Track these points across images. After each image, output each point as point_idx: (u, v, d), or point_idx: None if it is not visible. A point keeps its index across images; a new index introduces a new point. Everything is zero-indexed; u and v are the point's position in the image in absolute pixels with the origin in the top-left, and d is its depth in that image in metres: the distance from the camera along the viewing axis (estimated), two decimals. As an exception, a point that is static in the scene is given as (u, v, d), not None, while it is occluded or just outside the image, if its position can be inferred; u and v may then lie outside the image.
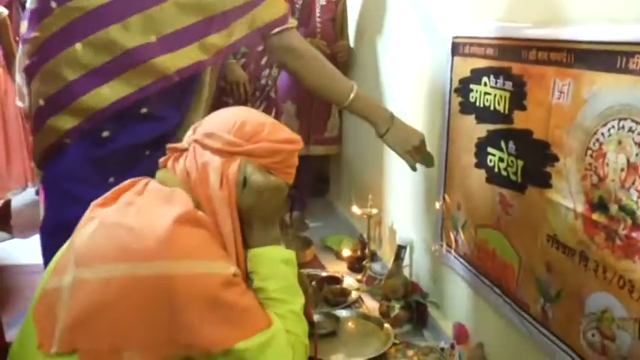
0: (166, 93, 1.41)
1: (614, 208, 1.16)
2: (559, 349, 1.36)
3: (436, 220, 2.04)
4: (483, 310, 1.76)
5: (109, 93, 1.34)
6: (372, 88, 2.69)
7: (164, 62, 1.36)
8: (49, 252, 1.32)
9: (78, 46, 1.32)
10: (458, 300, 1.95)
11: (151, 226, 0.96)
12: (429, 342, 2.02)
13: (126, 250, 0.95)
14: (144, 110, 1.41)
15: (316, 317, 2.00)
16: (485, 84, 1.64)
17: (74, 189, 1.37)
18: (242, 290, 1.02)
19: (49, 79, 1.35)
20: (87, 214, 1.07)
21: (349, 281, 2.47)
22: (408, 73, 2.36)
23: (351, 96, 1.55)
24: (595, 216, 1.22)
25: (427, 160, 1.66)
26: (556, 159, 1.34)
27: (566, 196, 1.31)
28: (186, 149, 1.10)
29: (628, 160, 1.12)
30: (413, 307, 2.11)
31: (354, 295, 2.32)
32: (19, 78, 1.46)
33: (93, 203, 1.08)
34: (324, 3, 3.07)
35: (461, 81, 1.79)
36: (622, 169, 1.13)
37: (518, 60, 1.47)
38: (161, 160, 1.15)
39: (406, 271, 2.27)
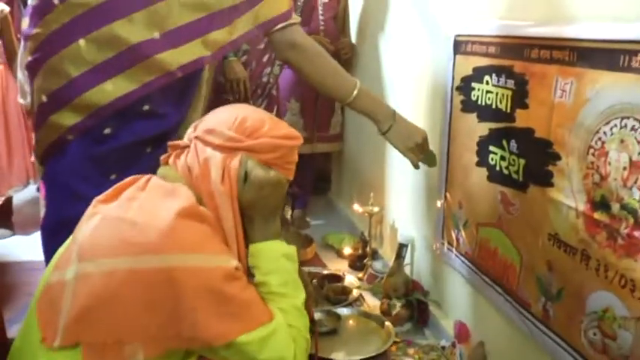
0: (168, 90, 1.42)
1: (615, 207, 1.16)
2: (560, 348, 1.36)
3: (437, 219, 2.03)
4: (484, 309, 1.76)
5: (112, 89, 1.34)
6: (373, 86, 2.68)
7: (167, 58, 1.36)
8: (49, 249, 1.32)
9: (82, 42, 1.32)
10: (459, 298, 1.95)
11: (154, 220, 0.97)
12: (429, 340, 2.02)
13: (128, 244, 0.96)
14: (146, 107, 1.41)
15: (317, 315, 2.01)
16: (487, 82, 1.63)
17: (76, 186, 1.37)
18: (244, 284, 1.03)
19: (52, 75, 1.35)
20: (89, 210, 1.07)
21: (350, 279, 2.47)
22: (410, 71, 2.36)
23: (355, 93, 1.54)
24: (597, 215, 1.22)
25: (429, 160, 1.66)
26: (558, 158, 1.34)
27: (568, 195, 1.31)
28: (187, 146, 1.11)
29: (630, 159, 1.12)
30: (414, 306, 2.11)
31: (355, 293, 2.32)
32: (21, 75, 1.46)
33: (95, 199, 1.09)
34: (327, 0, 3.07)
35: (463, 79, 1.79)
36: (624, 168, 1.13)
37: (521, 58, 1.47)
38: (162, 157, 1.16)
39: (407, 270, 2.27)
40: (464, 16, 1.82)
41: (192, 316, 0.95)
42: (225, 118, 1.10)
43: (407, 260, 2.26)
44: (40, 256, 1.43)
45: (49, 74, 1.36)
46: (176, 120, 1.51)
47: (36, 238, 1.50)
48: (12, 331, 1.61)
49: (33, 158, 1.51)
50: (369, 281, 2.48)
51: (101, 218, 1.02)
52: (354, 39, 3.19)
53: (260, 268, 1.09)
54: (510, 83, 1.52)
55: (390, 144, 1.61)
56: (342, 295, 2.29)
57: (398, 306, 2.11)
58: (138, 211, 1.00)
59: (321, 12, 3.04)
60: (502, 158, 1.57)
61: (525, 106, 1.46)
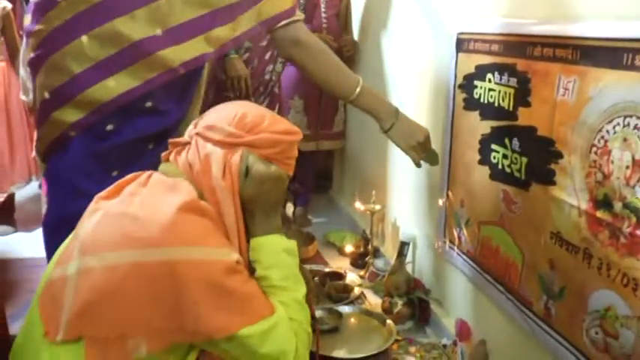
0: (170, 87, 1.42)
1: (618, 206, 1.16)
2: (562, 347, 1.36)
3: (439, 217, 2.03)
4: (486, 307, 1.76)
5: (114, 86, 1.34)
6: (376, 84, 2.68)
7: (169, 55, 1.36)
8: (51, 245, 1.32)
9: (84, 38, 1.32)
10: (460, 297, 1.95)
11: (155, 214, 0.98)
12: (431, 339, 2.03)
13: (130, 238, 0.96)
14: (148, 104, 1.41)
15: (319, 313, 2.00)
16: (490, 80, 1.63)
17: (78, 183, 1.37)
18: (245, 278, 1.03)
19: (55, 71, 1.35)
20: (91, 206, 1.08)
21: (352, 277, 2.47)
22: (413, 69, 2.35)
23: (357, 90, 1.54)
24: (599, 213, 1.21)
25: (432, 158, 1.65)
26: (560, 156, 1.33)
27: (571, 194, 1.30)
28: (187, 143, 1.12)
29: (633, 158, 1.12)
30: (415, 304, 2.12)
31: (356, 291, 2.32)
32: (23, 72, 1.46)
33: (96, 196, 1.09)
34: (329, -2, 3.07)
35: (465, 77, 1.79)
36: (627, 167, 1.13)
37: (523, 56, 1.46)
38: (163, 154, 1.16)
39: (409, 268, 2.27)
40: (466, 14, 1.82)
41: (194, 310, 0.95)
42: (226, 114, 1.11)
43: (408, 258, 2.26)
44: (42, 253, 1.43)
45: (52, 71, 1.36)
46: (177, 117, 1.51)
47: (38, 234, 1.50)
48: (14, 328, 1.61)
49: (34, 154, 1.51)
50: (370, 279, 2.48)
51: (103, 214, 1.02)
52: (356, 37, 3.19)
53: (261, 262, 1.09)
54: (513, 81, 1.52)
55: (392, 142, 1.61)
56: (343, 293, 2.29)
57: (399, 304, 2.11)
58: (139, 206, 1.00)
59: (323, 9, 3.04)
60: (504, 156, 1.57)
61: (528, 105, 1.46)
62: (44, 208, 1.47)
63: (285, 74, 2.91)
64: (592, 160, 1.23)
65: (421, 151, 1.60)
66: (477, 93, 1.71)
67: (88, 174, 1.37)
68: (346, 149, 3.42)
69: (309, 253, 2.76)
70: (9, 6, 3.13)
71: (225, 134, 1.08)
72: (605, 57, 1.18)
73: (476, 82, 1.72)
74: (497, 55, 1.60)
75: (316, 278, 2.38)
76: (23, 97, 1.49)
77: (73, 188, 1.36)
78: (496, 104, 1.60)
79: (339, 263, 2.70)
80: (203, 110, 1.20)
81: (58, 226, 1.32)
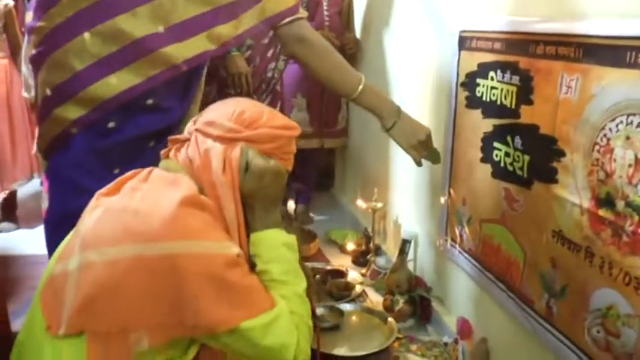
0: (173, 84, 1.42)
1: (620, 205, 1.16)
2: (563, 345, 1.35)
3: (441, 215, 2.03)
4: (487, 306, 1.76)
5: (116, 83, 1.34)
6: (378, 82, 2.68)
7: (172, 52, 1.36)
8: (53, 242, 1.32)
9: (86, 35, 1.32)
10: (462, 295, 1.95)
11: (156, 208, 0.98)
12: (432, 336, 2.03)
13: (131, 232, 0.97)
14: (150, 101, 1.41)
15: (320, 311, 2.01)
16: (492, 78, 1.63)
17: (79, 180, 1.37)
18: (246, 271, 1.04)
19: (57, 68, 1.35)
20: (91, 202, 1.08)
21: (353, 275, 2.47)
22: (415, 67, 2.35)
23: (360, 88, 1.54)
24: (601, 212, 1.21)
25: (433, 157, 1.65)
26: (563, 154, 1.33)
27: (573, 192, 1.30)
28: (187, 139, 1.13)
29: (636, 156, 1.11)
30: (417, 302, 2.12)
31: (358, 289, 2.32)
32: (25, 69, 1.46)
33: (97, 193, 1.10)
34: (331, -4, 3.06)
35: (467, 75, 1.79)
36: (630, 165, 1.13)
37: (526, 54, 1.46)
38: (162, 151, 1.17)
39: (410, 266, 2.27)
40: (469, 12, 1.81)
41: (195, 303, 0.95)
42: (225, 110, 1.12)
43: (410, 256, 2.26)
44: (44, 250, 1.43)
45: (54, 68, 1.36)
46: (179, 114, 1.51)
47: (40, 231, 1.51)
48: (16, 325, 1.62)
49: (34, 150, 1.51)
50: (372, 277, 2.48)
51: (104, 210, 1.03)
52: (358, 34, 3.18)
53: (261, 256, 1.10)
54: (515, 79, 1.51)
55: (393, 141, 1.61)
56: (344, 291, 2.29)
57: (401, 302, 2.11)
58: (140, 201, 1.01)
59: (325, 7, 3.03)
60: (506, 154, 1.57)
61: (530, 103, 1.46)
62: (45, 205, 1.47)
63: (287, 72, 2.91)
64: (594, 159, 1.22)
65: (422, 150, 1.60)
66: (479, 91, 1.71)
67: (89, 171, 1.37)
68: (348, 147, 3.42)
69: (311, 251, 2.77)
70: (11, 3, 3.13)
71: (224, 130, 1.09)
72: (608, 55, 1.17)
73: (478, 80, 1.71)
74: (499, 53, 1.59)
75: (318, 276, 2.38)
76: (25, 94, 1.49)
77: (75, 185, 1.36)
78: (498, 102, 1.60)
79: (340, 261, 2.70)
80: (205, 107, 1.20)
81: (59, 223, 1.32)
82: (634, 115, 1.11)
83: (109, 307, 0.96)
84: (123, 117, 1.38)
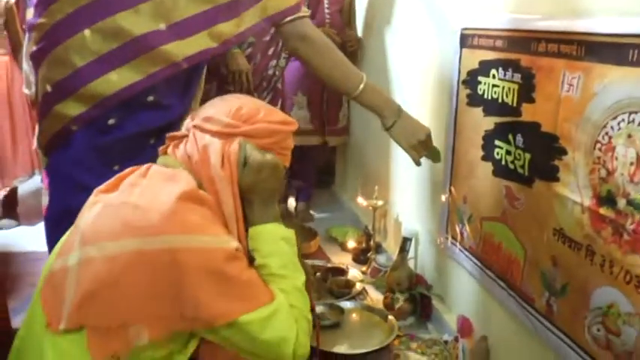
0: (174, 81, 1.42)
1: (622, 203, 1.16)
2: (563, 344, 1.35)
3: (442, 213, 2.03)
4: (488, 304, 1.76)
5: (117, 79, 1.35)
6: (379, 80, 2.67)
7: (173, 49, 1.36)
8: (53, 239, 1.32)
9: (87, 32, 1.32)
10: (462, 293, 1.95)
11: (155, 203, 0.99)
12: (432, 334, 2.02)
13: (130, 227, 0.97)
14: (150, 98, 1.41)
15: (320, 308, 2.01)
16: (494, 76, 1.62)
17: (79, 176, 1.37)
18: (244, 265, 1.04)
19: (57, 65, 1.36)
20: (90, 199, 1.09)
21: (354, 273, 2.47)
22: (416, 65, 2.34)
23: (361, 87, 1.54)
24: (602, 210, 1.21)
25: (434, 155, 1.65)
26: (564, 152, 1.33)
27: (574, 190, 1.30)
28: (185, 136, 1.14)
29: (637, 154, 1.11)
30: (417, 300, 2.11)
31: (358, 286, 2.32)
32: (26, 65, 1.46)
33: (96, 189, 1.10)
34: (333, -6, 3.06)
35: (469, 73, 1.78)
36: (631, 163, 1.13)
37: (528, 52, 1.46)
38: (160, 148, 1.18)
39: (411, 264, 2.27)
40: (470, 9, 1.81)
41: (194, 297, 0.96)
42: (222, 106, 1.13)
43: (411, 254, 2.26)
44: (44, 247, 1.43)
45: (54, 64, 1.36)
46: (179, 112, 1.51)
47: (40, 228, 1.51)
48: (16, 321, 1.62)
49: (34, 146, 1.51)
50: (372, 275, 2.48)
51: (103, 206, 1.04)
52: (360, 32, 3.18)
53: (260, 250, 1.10)
54: (517, 77, 1.51)
55: (393, 140, 1.61)
56: (345, 289, 2.29)
57: (401, 300, 2.11)
58: (139, 196, 1.02)
59: (326, 5, 3.03)
60: (508, 152, 1.57)
61: (532, 101, 1.45)
62: (45, 202, 1.47)
63: (288, 70, 2.90)
64: (596, 157, 1.22)
65: (422, 149, 1.60)
66: (480, 89, 1.71)
67: (89, 168, 1.38)
68: (349, 144, 3.42)
69: (311, 249, 2.77)
70: (12, 0, 3.12)
71: (222, 125, 1.09)
72: (610, 53, 1.17)
73: (480, 78, 1.71)
74: (501, 51, 1.59)
75: (318, 273, 2.38)
76: (26, 91, 1.49)
77: (74, 182, 1.37)
78: (500, 100, 1.60)
79: (341, 259, 2.70)
80: (202, 103, 1.21)
81: (59, 220, 1.32)
82: (636, 113, 1.11)
83: (109, 302, 0.96)
84: (123, 114, 1.39)
